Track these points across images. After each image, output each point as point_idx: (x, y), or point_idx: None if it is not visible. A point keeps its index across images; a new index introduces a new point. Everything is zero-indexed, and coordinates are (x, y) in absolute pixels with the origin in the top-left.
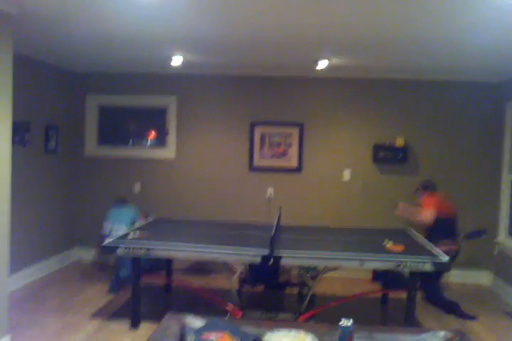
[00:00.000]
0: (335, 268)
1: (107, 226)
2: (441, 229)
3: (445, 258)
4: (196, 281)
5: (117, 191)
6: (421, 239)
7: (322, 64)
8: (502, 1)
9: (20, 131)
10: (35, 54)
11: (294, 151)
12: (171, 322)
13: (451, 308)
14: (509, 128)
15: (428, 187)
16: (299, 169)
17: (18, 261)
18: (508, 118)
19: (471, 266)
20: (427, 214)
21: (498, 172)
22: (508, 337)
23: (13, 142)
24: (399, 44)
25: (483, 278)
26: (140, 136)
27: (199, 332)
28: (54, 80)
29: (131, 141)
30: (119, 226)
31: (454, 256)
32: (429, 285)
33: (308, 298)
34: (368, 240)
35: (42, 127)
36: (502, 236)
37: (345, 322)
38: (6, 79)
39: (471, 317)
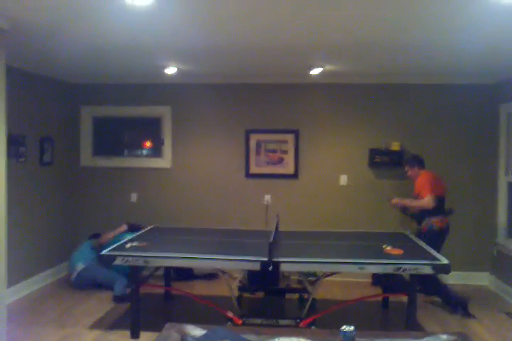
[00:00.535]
0: (334, 273)
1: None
2: (435, 207)
3: (445, 261)
4: (196, 289)
5: (114, 202)
6: (420, 242)
7: (316, 70)
8: (491, 1)
9: (15, 144)
10: (28, 66)
11: (290, 158)
12: (171, 332)
13: (458, 304)
14: (504, 129)
15: (417, 163)
16: (295, 175)
17: (15, 274)
18: (502, 120)
19: (471, 267)
20: (429, 199)
21: (495, 174)
22: (510, 338)
23: (8, 155)
24: (392, 49)
25: (482, 279)
26: (135, 147)
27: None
28: (48, 92)
29: (126, 152)
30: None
31: (447, 228)
32: (433, 287)
33: (308, 304)
34: (367, 244)
35: (37, 139)
36: (501, 237)
37: (347, 328)
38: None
39: (473, 316)
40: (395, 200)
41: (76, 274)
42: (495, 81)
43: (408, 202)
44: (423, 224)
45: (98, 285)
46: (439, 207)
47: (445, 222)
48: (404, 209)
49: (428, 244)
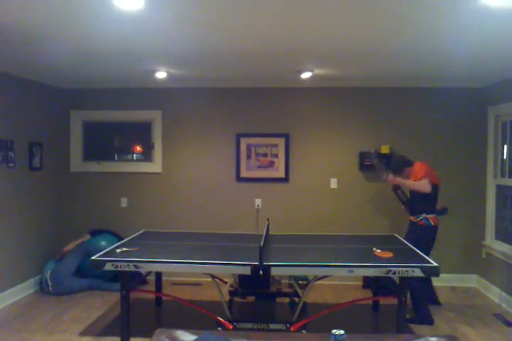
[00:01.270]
0: (325, 276)
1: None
2: (428, 198)
3: (434, 264)
4: (186, 294)
5: (104, 206)
6: (409, 245)
7: (305, 75)
8: (478, 4)
9: (3, 149)
10: (17, 71)
11: (280, 162)
12: (161, 338)
13: (422, 321)
14: (492, 132)
15: (408, 162)
16: (286, 179)
17: (3, 280)
18: (490, 123)
19: (459, 270)
20: (425, 182)
21: (484, 177)
22: (498, 340)
23: None
24: (381, 54)
25: (471, 281)
26: (126, 151)
27: None
28: (37, 97)
29: (116, 156)
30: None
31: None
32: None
33: (299, 307)
34: (357, 247)
35: (25, 144)
36: (489, 240)
37: (337, 332)
38: None
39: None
40: (391, 177)
41: (49, 280)
42: (483, 84)
43: (404, 181)
44: (420, 219)
45: (78, 275)
46: (433, 202)
47: (437, 220)
48: (396, 189)
49: (424, 238)
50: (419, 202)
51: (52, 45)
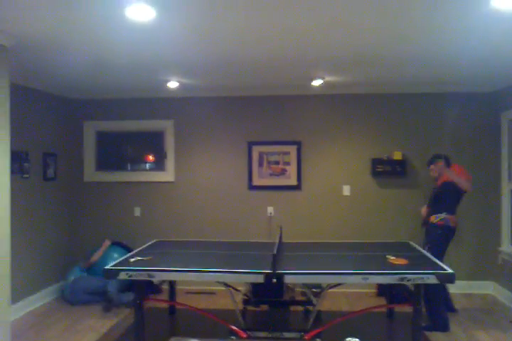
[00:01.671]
0: (339, 284)
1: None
2: (454, 198)
3: (450, 271)
4: (200, 302)
5: (117, 216)
6: (424, 252)
7: (317, 82)
8: (488, 8)
9: (18, 160)
10: (30, 83)
11: (292, 169)
12: None
13: (437, 328)
14: (505, 137)
15: (448, 160)
16: (298, 187)
17: (19, 290)
18: (503, 128)
19: (475, 276)
20: (469, 182)
21: (498, 181)
22: None
23: (12, 171)
24: (392, 60)
25: (487, 287)
26: (138, 161)
27: None
28: (50, 108)
29: (129, 166)
30: None
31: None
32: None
33: (313, 316)
34: (371, 254)
35: (40, 155)
36: (505, 245)
37: (352, 340)
38: (3, 109)
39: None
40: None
41: (68, 288)
42: (494, 89)
43: (453, 175)
44: (440, 218)
45: (91, 295)
46: (456, 204)
47: (456, 222)
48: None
49: (443, 238)
50: (443, 202)
51: (65, 56)
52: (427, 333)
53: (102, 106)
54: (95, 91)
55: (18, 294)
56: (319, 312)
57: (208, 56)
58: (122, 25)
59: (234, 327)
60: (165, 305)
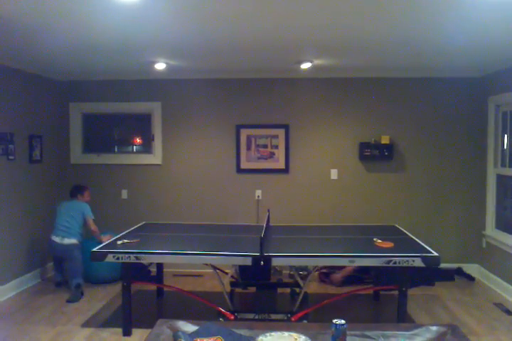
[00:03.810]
0: (326, 267)
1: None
2: None
3: (435, 254)
4: (188, 285)
5: (104, 198)
6: (409, 234)
7: (305, 65)
8: None
9: (3, 142)
10: (15, 64)
11: (280, 152)
12: (163, 328)
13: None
14: (492, 122)
15: None
16: (286, 170)
17: (5, 272)
18: (490, 113)
19: (460, 259)
20: None
21: (484, 166)
22: (499, 329)
23: None
24: (381, 44)
25: (471, 270)
26: (125, 143)
27: (191, 337)
28: (36, 89)
29: (116, 148)
30: (68, 224)
31: None
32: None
33: (300, 298)
34: (358, 238)
35: (25, 137)
36: (489, 229)
37: (338, 321)
38: None
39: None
40: None
41: (61, 246)
42: (483, 74)
43: None
44: None
45: (61, 264)
46: None
47: None
48: None
49: None
50: None
51: (51, 37)
52: (412, 315)
53: (88, 87)
54: (82, 73)
55: (5, 276)
56: (306, 294)
57: (196, 37)
58: (108, 5)
59: (222, 309)
60: (153, 287)
